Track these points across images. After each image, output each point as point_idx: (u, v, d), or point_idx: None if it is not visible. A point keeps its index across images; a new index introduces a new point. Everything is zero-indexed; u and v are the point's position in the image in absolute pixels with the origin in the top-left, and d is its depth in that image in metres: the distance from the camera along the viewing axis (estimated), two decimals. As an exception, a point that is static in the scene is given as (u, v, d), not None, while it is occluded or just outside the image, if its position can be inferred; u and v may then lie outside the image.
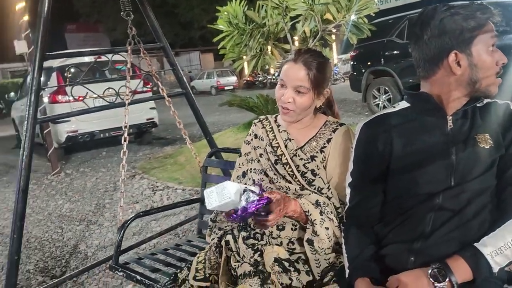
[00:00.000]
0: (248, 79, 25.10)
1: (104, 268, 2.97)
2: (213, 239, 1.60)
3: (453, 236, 1.15)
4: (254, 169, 1.55)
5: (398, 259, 1.20)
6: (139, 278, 1.83)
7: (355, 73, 8.47)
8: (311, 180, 1.45)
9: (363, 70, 7.97)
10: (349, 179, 1.34)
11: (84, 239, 3.65)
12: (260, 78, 24.42)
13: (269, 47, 4.24)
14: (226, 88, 23.58)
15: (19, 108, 8.51)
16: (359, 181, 1.32)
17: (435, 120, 1.21)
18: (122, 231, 2.00)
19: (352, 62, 8.71)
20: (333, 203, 1.42)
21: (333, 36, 4.45)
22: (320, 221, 1.35)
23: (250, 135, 1.65)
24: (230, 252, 1.49)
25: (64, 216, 4.33)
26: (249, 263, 1.39)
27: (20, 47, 6.53)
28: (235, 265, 1.42)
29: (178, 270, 1.57)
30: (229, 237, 1.53)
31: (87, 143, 7.50)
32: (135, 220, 3.82)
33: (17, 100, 8.94)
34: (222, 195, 1.24)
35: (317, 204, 1.38)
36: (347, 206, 1.35)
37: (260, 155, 1.54)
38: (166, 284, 1.55)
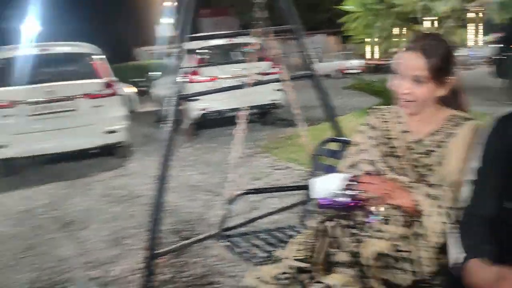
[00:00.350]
0: (375, 63, 24.04)
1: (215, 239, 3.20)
2: (313, 223, 1.57)
3: None
4: (364, 159, 1.50)
5: None
6: (239, 251, 1.93)
7: (503, 58, 7.46)
8: (424, 175, 1.35)
9: (511, 54, 7.02)
10: (471, 176, 1.24)
11: (209, 208, 3.98)
12: (388, 63, 23.21)
13: (400, 29, 4.03)
14: (351, 71, 22.95)
15: (160, 86, 9.49)
16: (483, 179, 1.22)
17: None
18: (231, 204, 2.11)
19: (498, 45, 7.72)
20: (447, 201, 1.30)
21: (474, 16, 4.01)
22: (429, 212, 1.27)
23: (364, 124, 1.59)
24: (328, 239, 1.45)
25: (194, 186, 4.77)
26: (347, 252, 1.35)
27: (161, 30, 7.23)
28: (332, 252, 1.39)
29: (276, 250, 1.62)
30: (329, 224, 1.48)
31: (216, 120, 8.08)
32: (253, 196, 4.07)
33: (158, 79, 9.98)
34: (324, 188, 1.27)
35: (428, 196, 1.29)
36: (465, 205, 1.24)
37: (373, 145, 1.48)
38: (264, 260, 1.61)
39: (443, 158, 1.37)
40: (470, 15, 3.75)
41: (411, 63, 1.36)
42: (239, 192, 2.21)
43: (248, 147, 6.42)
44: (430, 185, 1.34)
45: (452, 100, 1.47)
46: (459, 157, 1.34)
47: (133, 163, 6.32)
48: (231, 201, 2.16)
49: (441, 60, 1.35)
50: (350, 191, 1.27)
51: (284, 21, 3.09)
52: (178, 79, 2.59)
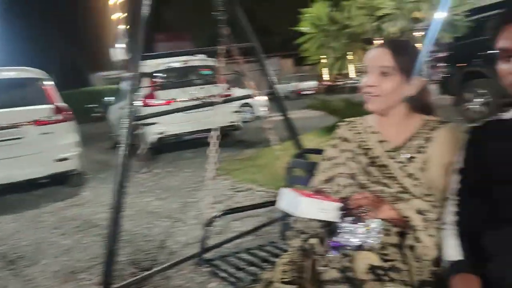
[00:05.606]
0: (328, 83, 24.79)
1: (190, 264, 3.07)
2: (297, 242, 1.52)
3: None
4: (341, 173, 1.46)
5: (507, 277, 1.06)
6: (224, 275, 1.84)
7: (447, 76, 7.90)
8: (410, 185, 1.32)
9: (456, 72, 7.42)
10: (455, 185, 1.24)
11: (171, 235, 3.82)
12: (341, 83, 24.01)
13: (353, 49, 4.14)
14: (306, 92, 23.53)
15: (115, 111, 9.24)
16: (464, 187, 1.22)
17: None
18: (208, 227, 2.04)
19: (442, 64, 8.16)
20: (436, 213, 1.28)
21: (418, 33, 4.20)
22: (424, 227, 1.23)
23: (336, 138, 1.55)
24: (316, 256, 1.41)
25: (153, 213, 4.59)
26: (337, 269, 1.31)
27: (116, 54, 7.09)
28: (321, 270, 1.35)
29: (262, 271, 1.56)
30: (314, 240, 1.44)
31: (174, 144, 7.92)
32: (217, 220, 3.97)
33: (113, 104, 9.72)
34: (291, 205, 1.22)
35: (419, 212, 1.25)
36: (451, 214, 1.23)
37: (349, 158, 1.44)
38: (250, 283, 1.55)
39: (425, 163, 1.34)
40: (419, 34, 3.94)
41: (379, 56, 1.36)
42: (217, 214, 2.14)
43: (208, 170, 6.31)
44: (418, 197, 1.30)
45: (422, 106, 1.46)
46: (441, 162, 1.32)
47: (86, 191, 6.03)
48: (208, 223, 2.07)
49: (408, 57, 1.36)
50: (360, 229, 1.26)
51: (243, 41, 3.12)
52: (132, 102, 2.49)
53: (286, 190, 1.23)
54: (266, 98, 7.11)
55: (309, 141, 6.18)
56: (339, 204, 1.25)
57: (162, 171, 6.78)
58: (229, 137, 8.52)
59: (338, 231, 1.35)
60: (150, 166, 7.02)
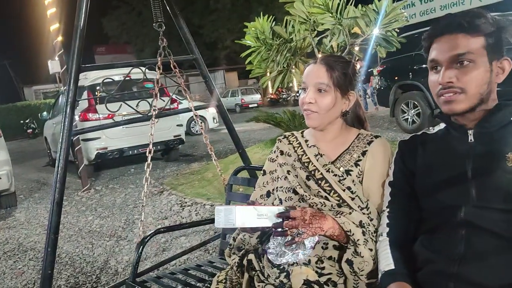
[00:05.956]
0: (272, 96, 25.23)
1: None
2: (233, 258, 1.49)
3: (502, 263, 1.03)
4: (281, 187, 1.45)
5: (436, 284, 1.10)
6: None
7: (382, 88, 8.36)
8: (348, 198, 1.32)
9: (390, 85, 7.86)
10: (387, 197, 1.30)
11: (114, 254, 3.65)
12: (284, 96, 24.53)
13: (295, 63, 4.23)
14: (250, 106, 23.77)
15: (51, 127, 8.77)
16: (395, 198, 1.28)
17: (456, 134, 1.20)
18: (141, 247, 1.91)
19: (379, 77, 8.62)
20: (374, 224, 1.30)
21: (357, 48, 4.38)
22: (364, 241, 1.23)
23: (274, 152, 1.55)
24: (253, 272, 1.39)
25: (94, 232, 4.37)
26: (274, 284, 1.30)
27: (54, 66, 6.76)
28: (258, 285, 1.33)
29: None
30: (251, 256, 1.42)
31: (116, 160, 7.63)
32: (164, 235, 3.86)
33: (49, 119, 9.23)
34: (228, 219, 1.18)
35: (360, 225, 1.26)
36: (384, 225, 1.27)
37: (288, 172, 1.44)
38: None
39: (361, 176, 1.37)
40: (357, 49, 4.12)
41: (315, 73, 1.39)
42: (149, 233, 2.01)
43: (153, 186, 6.14)
44: (356, 210, 1.31)
45: (356, 119, 1.53)
46: (376, 175, 1.36)
47: (20, 212, 5.63)
48: (140, 243, 1.95)
49: (342, 72, 1.39)
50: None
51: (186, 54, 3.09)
52: (69, 117, 2.36)
53: (220, 207, 1.21)
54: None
55: (255, 153, 6.22)
56: (278, 208, 1.24)
57: (104, 188, 6.50)
58: (174, 151, 8.36)
59: (274, 243, 1.36)
60: (91, 183, 6.71)
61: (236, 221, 1.17)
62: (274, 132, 7.56)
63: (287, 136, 1.56)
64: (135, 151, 7.37)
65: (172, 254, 3.20)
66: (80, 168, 6.34)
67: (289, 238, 1.23)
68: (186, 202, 5.01)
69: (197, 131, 12.12)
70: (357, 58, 4.44)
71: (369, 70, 12.47)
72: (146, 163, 2.63)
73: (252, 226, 1.21)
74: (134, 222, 4.52)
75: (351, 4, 3.70)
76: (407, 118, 7.48)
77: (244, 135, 10.82)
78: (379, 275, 1.18)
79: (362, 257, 1.22)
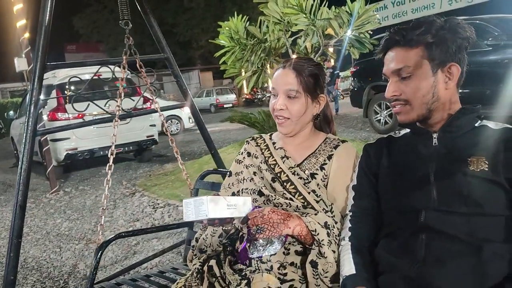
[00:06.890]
0: (247, 97, 25.22)
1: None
2: (194, 263, 1.45)
3: (462, 267, 1.03)
4: (246, 189, 1.43)
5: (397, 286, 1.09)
6: None
7: (355, 89, 8.47)
8: (313, 201, 1.32)
9: (364, 86, 7.96)
10: (350, 201, 1.30)
11: (83, 258, 3.54)
12: (259, 96, 24.56)
13: (269, 63, 4.22)
14: (225, 106, 23.70)
15: (17, 127, 8.47)
16: (358, 202, 1.28)
17: (421, 138, 1.21)
18: (100, 252, 1.75)
19: (352, 78, 8.72)
20: (338, 228, 1.29)
21: (331, 49, 4.41)
22: (328, 242, 1.22)
23: (241, 153, 1.54)
24: (214, 279, 1.35)
25: (63, 235, 4.23)
26: None
27: (21, 64, 6.53)
28: None
29: None
30: (213, 262, 1.39)
31: (87, 161, 7.43)
32: (136, 238, 3.77)
33: (16, 118, 8.92)
34: (199, 210, 1.13)
35: (325, 226, 1.25)
36: (347, 229, 1.26)
37: (254, 173, 1.43)
38: None
39: (327, 180, 1.37)
40: (331, 50, 4.14)
41: (284, 79, 1.38)
42: (109, 238, 1.88)
43: (125, 187, 6.02)
44: (321, 211, 1.30)
45: (325, 127, 1.53)
46: (341, 179, 1.36)
47: (-16, 216, 5.40)
48: (99, 249, 1.81)
49: (311, 76, 1.38)
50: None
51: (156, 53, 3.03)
52: (34, 116, 2.26)
53: (188, 200, 1.16)
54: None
55: (229, 154, 6.18)
56: (245, 199, 1.22)
57: (74, 189, 6.32)
58: (147, 151, 8.21)
59: (243, 243, 1.33)
60: (60, 185, 6.51)
61: (208, 211, 1.13)
62: (249, 132, 7.55)
63: (255, 138, 1.56)
64: (107, 151, 7.20)
65: (144, 257, 3.12)
66: (49, 169, 6.14)
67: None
68: (158, 204, 4.92)
69: (172, 131, 11.98)
70: (330, 58, 4.48)
71: (335, 73, 12.65)
72: (108, 164, 2.55)
73: (222, 216, 1.17)
74: (106, 225, 4.40)
75: (324, 6, 3.72)
76: (380, 119, 7.59)
77: (219, 135, 10.75)
78: (341, 280, 1.17)
79: (326, 257, 1.21)
